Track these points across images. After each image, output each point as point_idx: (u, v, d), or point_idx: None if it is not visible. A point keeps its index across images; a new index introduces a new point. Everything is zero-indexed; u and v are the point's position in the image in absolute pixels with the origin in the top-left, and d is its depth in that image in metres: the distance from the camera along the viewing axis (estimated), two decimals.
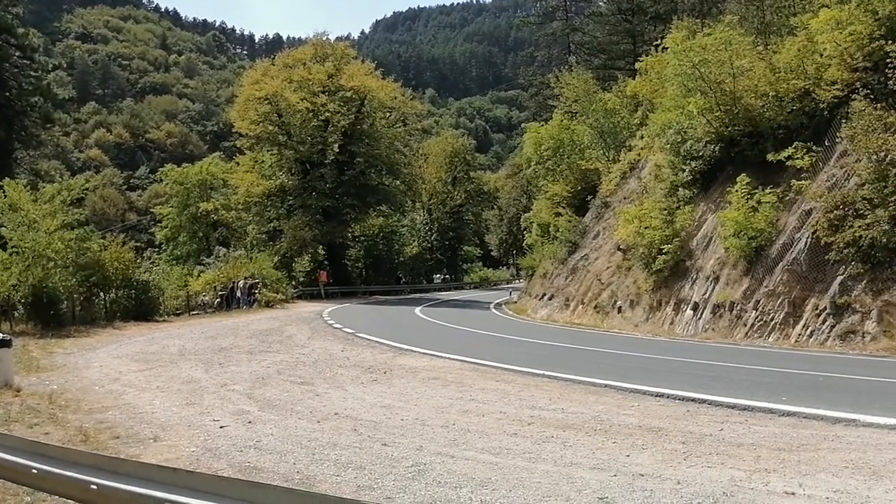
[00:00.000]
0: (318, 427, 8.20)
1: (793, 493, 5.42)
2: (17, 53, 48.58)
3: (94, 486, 4.33)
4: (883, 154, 16.47)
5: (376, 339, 18.50)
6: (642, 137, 31.72)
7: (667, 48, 26.89)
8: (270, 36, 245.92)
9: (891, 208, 16.06)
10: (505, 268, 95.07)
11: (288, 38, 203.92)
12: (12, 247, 23.17)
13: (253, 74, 50.58)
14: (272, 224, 50.37)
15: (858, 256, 16.48)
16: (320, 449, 7.15)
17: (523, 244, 52.57)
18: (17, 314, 23.41)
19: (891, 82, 17.20)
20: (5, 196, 23.72)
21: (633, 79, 36.03)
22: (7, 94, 47.38)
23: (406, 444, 7.33)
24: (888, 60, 17.34)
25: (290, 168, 50.37)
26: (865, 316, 16.00)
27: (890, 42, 17.37)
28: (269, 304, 35.30)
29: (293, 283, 42.62)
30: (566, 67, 45.39)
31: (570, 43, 62.83)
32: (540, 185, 43.05)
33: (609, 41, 54.84)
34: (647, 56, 33.25)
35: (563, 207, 36.78)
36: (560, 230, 35.53)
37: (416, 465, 6.47)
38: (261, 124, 47.35)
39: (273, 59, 53.85)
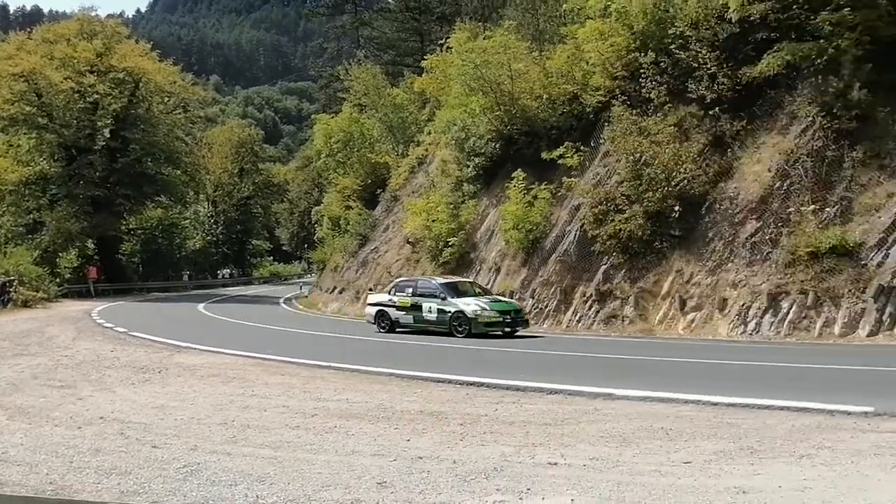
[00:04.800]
0: (79, 433, 7.47)
1: (555, 464, 5.80)
2: None
3: None
4: (638, 155, 18.31)
5: (151, 338, 17.29)
6: (430, 133, 32.61)
7: (451, 48, 27.88)
8: (28, 7, 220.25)
9: (645, 204, 17.91)
10: (297, 262, 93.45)
11: (50, 11, 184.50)
12: None
13: (6, 49, 45.08)
14: (31, 215, 45.32)
15: (618, 248, 18.21)
16: (79, 456, 6.51)
17: (315, 238, 52.05)
18: None
19: (644, 91, 19.16)
20: None
21: (421, 76, 36.91)
22: None
23: (179, 444, 6.91)
24: (641, 71, 19.30)
25: (52, 153, 45.55)
26: (625, 302, 17.75)
27: (643, 54, 19.32)
28: (26, 304, 31.71)
29: (57, 280, 38.68)
30: (355, 61, 45.39)
31: (359, 37, 62.93)
32: (330, 177, 42.82)
33: (398, 38, 55.79)
34: (433, 55, 34.19)
35: (354, 200, 36.87)
36: (350, 223, 35.56)
37: (188, 466, 6.11)
38: (16, 104, 42.26)
39: (30, 32, 48.39)
